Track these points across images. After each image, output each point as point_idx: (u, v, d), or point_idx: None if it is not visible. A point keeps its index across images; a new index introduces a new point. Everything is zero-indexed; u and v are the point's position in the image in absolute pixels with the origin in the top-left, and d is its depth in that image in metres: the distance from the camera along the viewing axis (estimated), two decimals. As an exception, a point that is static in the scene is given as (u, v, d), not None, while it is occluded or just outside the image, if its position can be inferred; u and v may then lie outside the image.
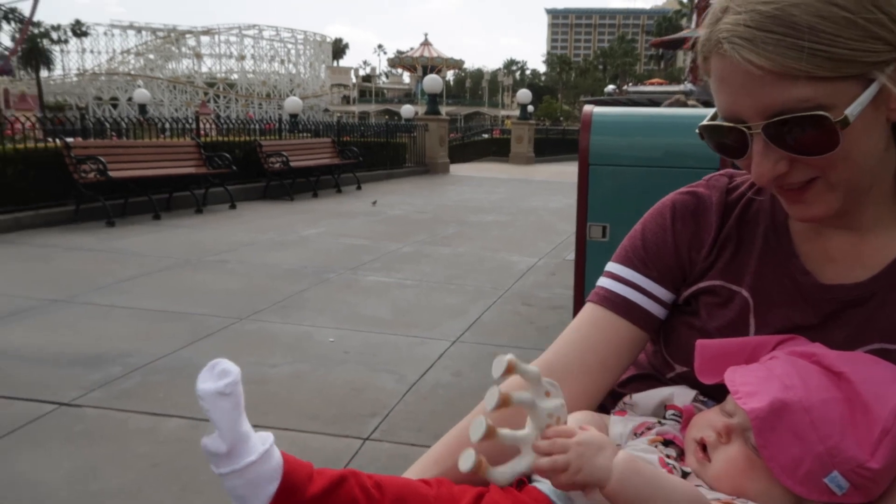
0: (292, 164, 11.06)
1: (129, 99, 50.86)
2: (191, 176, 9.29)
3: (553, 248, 7.37)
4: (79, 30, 69.74)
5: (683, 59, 67.41)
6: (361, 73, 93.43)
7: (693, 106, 4.52)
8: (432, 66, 70.95)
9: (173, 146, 9.81)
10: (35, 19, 55.59)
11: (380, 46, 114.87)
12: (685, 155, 3.52)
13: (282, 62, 69.71)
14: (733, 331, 0.87)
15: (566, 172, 15.64)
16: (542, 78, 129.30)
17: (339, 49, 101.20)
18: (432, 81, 17.64)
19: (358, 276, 5.85)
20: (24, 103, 38.11)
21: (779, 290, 0.86)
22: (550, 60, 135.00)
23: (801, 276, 0.84)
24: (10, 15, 56.72)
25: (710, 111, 0.81)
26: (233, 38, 67.85)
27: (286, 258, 6.47)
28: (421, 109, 27.70)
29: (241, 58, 67.42)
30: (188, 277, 5.71)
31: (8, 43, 49.16)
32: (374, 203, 10.57)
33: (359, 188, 12.77)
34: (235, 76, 68.38)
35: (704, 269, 0.92)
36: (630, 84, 48.85)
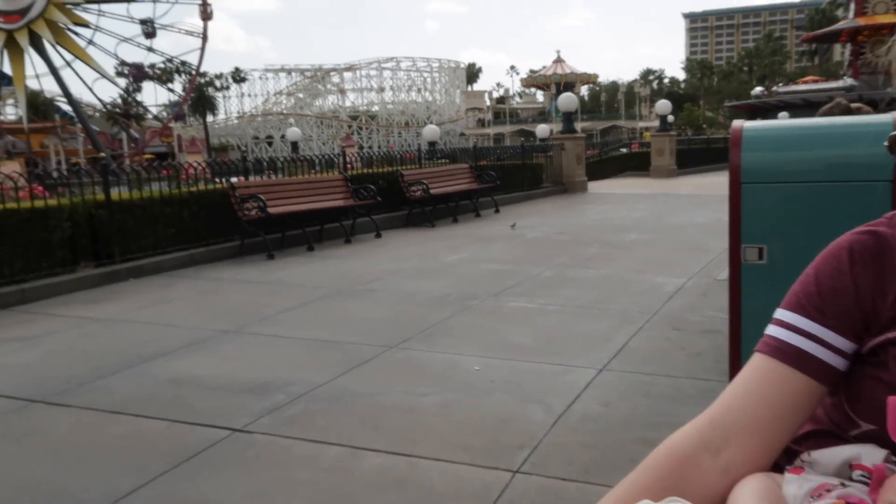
0: (432, 191, 11.40)
1: (283, 136, 54.94)
2: (340, 208, 9.84)
3: (703, 268, 7.00)
4: (238, 76, 76.56)
5: (841, 52, 61.97)
6: (495, 95, 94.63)
7: (857, 111, 4.14)
8: (566, 82, 70.40)
9: (323, 181, 10.46)
10: (202, 70, 61.68)
11: (512, 67, 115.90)
12: (853, 167, 3.24)
13: (418, 91, 72.32)
14: None
15: (713, 184, 14.86)
16: (682, 85, 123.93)
17: (472, 73, 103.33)
18: (567, 100, 17.50)
19: (500, 301, 5.89)
20: (193, 146, 42.34)
21: None
22: (690, 66, 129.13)
23: None
24: (181, 68, 63.57)
25: (883, 117, 0.75)
26: (373, 72, 71.42)
27: (430, 285, 6.65)
28: (556, 127, 27.49)
29: (381, 90, 70.71)
30: (340, 307, 6.03)
31: (180, 92, 55.07)
32: (513, 226, 10.62)
33: (497, 211, 12.90)
34: (376, 108, 71.82)
35: (892, 317, 0.85)
36: (780, 84, 45.57)
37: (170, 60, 49.18)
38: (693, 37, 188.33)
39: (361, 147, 46.71)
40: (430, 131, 17.35)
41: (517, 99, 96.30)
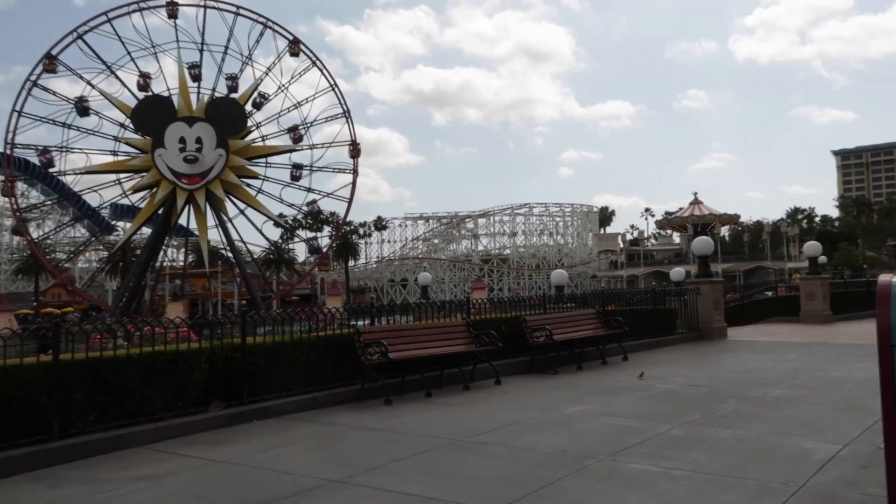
0: (556, 337, 11.13)
1: (416, 279, 57.11)
2: (460, 354, 9.81)
3: (862, 432, 6.12)
4: (379, 224, 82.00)
5: None
6: (629, 237, 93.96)
7: None
8: (704, 224, 68.77)
9: (445, 326, 10.54)
10: (348, 219, 66.77)
11: (647, 210, 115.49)
12: None
13: (550, 235, 73.47)
14: None
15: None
16: (836, 224, 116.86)
17: (605, 217, 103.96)
18: (702, 243, 16.95)
19: (620, 463, 5.42)
20: (334, 289, 45.01)
21: None
22: (844, 204, 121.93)
23: None
24: (329, 218, 69.40)
25: None
26: (506, 218, 73.91)
27: (547, 440, 6.29)
28: (694, 270, 26.51)
29: (514, 234, 72.66)
30: (450, 460, 5.80)
31: (326, 241, 59.64)
32: (641, 376, 10.01)
33: (625, 359, 12.28)
34: (508, 251, 73.48)
35: None
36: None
37: (319, 215, 53.42)
38: (846, 174, 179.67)
39: (491, 290, 47.44)
40: (558, 276, 17.31)
41: (652, 241, 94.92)
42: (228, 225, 46.36)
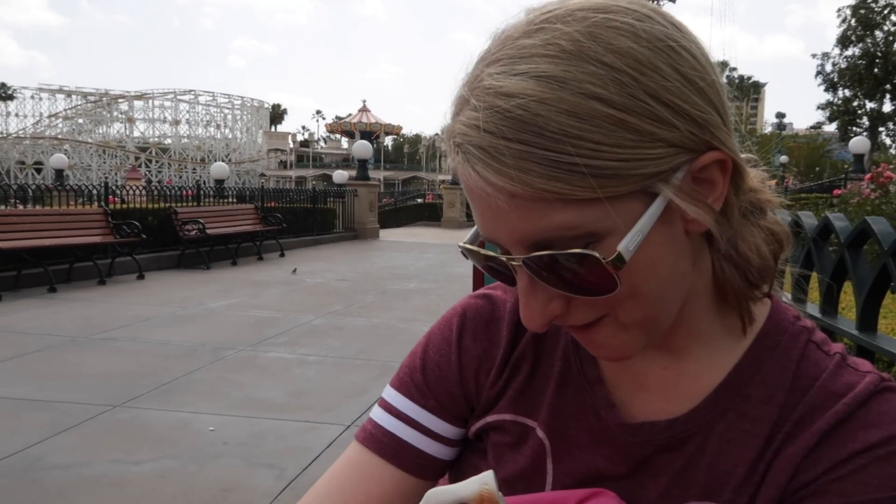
0: (209, 231, 10.66)
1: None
2: (94, 245, 8.78)
3: (471, 317, 7.16)
4: (4, 93, 67.88)
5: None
6: (300, 138, 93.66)
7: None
8: (370, 131, 71.83)
9: (76, 214, 9.30)
10: (-43, 82, 53.76)
11: (318, 112, 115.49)
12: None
13: (217, 127, 69.25)
14: (527, 481, 0.67)
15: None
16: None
17: (277, 114, 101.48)
18: (361, 147, 17.65)
19: (258, 352, 5.50)
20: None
21: (580, 428, 0.66)
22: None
23: (605, 410, 0.65)
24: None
25: None
26: (167, 103, 67.17)
27: (185, 334, 6.05)
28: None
29: (176, 122, 66.69)
30: (68, 358, 5.23)
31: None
32: (294, 271, 10.23)
33: (282, 255, 12.41)
34: (169, 141, 67.44)
35: (492, 398, 0.73)
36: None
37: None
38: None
39: (150, 181, 43.39)
40: (218, 168, 16.47)
41: (322, 144, 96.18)
42: None
